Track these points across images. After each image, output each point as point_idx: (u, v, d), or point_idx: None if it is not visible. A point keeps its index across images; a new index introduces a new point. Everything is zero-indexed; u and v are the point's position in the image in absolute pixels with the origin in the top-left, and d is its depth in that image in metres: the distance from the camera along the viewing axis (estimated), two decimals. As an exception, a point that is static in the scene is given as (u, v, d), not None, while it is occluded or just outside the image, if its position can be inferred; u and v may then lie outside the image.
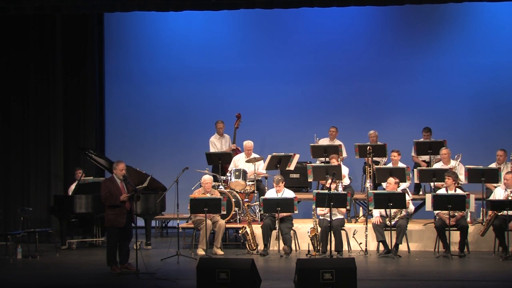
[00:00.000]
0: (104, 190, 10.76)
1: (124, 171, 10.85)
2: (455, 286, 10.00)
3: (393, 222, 11.89)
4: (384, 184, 12.65)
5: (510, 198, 11.62)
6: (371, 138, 14.21)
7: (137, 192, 10.75)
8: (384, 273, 10.72)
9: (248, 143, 13.61)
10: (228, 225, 12.78)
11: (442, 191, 12.12)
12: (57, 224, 13.47)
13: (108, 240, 11.06)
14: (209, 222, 12.04)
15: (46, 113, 14.26)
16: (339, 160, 13.21)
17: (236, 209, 12.90)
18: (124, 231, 10.77)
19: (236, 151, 14.16)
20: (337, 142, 14.34)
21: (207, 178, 12.46)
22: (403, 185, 12.85)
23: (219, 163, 13.54)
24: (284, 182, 12.42)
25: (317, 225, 11.90)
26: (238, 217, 12.93)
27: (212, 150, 14.20)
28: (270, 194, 12.43)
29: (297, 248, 12.38)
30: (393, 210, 11.88)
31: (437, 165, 13.23)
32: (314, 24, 15.39)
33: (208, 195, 12.21)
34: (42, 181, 14.13)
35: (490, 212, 11.76)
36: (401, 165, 13.06)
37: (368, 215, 12.61)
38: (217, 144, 14.35)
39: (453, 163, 13.01)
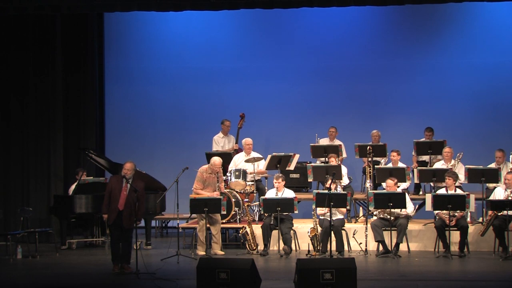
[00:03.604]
0: (106, 187, 10.92)
1: (127, 171, 10.82)
2: (455, 286, 9.99)
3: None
4: (384, 184, 12.65)
5: (510, 198, 11.62)
6: (374, 138, 14.21)
7: (137, 192, 10.76)
8: (384, 273, 10.72)
9: (248, 140, 13.61)
10: (228, 225, 12.78)
11: (442, 191, 12.12)
12: (57, 224, 13.46)
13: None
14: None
15: (46, 113, 14.26)
16: (337, 160, 13.20)
17: (236, 209, 12.90)
18: (120, 231, 10.81)
19: (238, 152, 14.14)
20: (337, 142, 14.34)
21: (217, 161, 12.39)
22: (403, 185, 12.85)
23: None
24: (284, 181, 12.40)
25: (317, 225, 11.90)
26: (238, 217, 12.93)
27: (215, 148, 14.19)
28: (270, 194, 12.43)
29: (297, 248, 12.37)
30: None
31: (438, 165, 13.23)
32: (314, 24, 15.40)
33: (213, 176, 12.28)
34: (42, 181, 14.12)
35: (490, 212, 11.75)
36: (401, 165, 13.06)
37: (368, 215, 12.61)
38: (220, 142, 14.35)
39: (452, 161, 13.03)
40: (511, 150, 13.17)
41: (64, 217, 13.03)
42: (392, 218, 11.81)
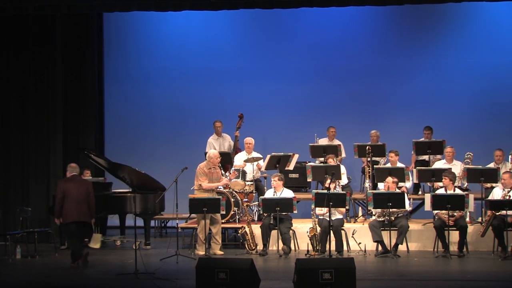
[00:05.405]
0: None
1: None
2: (454, 286, 9.99)
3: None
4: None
5: (507, 197, 11.61)
6: (372, 138, 14.21)
7: None
8: (383, 273, 10.73)
9: (248, 139, 13.67)
10: (227, 225, 12.78)
11: (441, 191, 12.12)
12: (56, 224, 13.44)
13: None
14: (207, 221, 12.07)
15: (46, 113, 14.25)
16: (336, 160, 13.19)
17: (235, 209, 12.90)
18: None
19: (238, 151, 14.14)
20: (336, 142, 14.34)
21: (215, 152, 12.46)
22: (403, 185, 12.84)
23: (218, 163, 13.54)
24: (283, 180, 12.39)
25: (316, 225, 11.90)
26: (237, 217, 12.93)
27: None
28: (269, 194, 12.43)
29: (296, 248, 12.38)
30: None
31: (439, 163, 13.21)
32: (314, 24, 15.40)
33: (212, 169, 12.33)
34: (42, 181, 14.11)
35: (489, 212, 11.75)
36: (400, 165, 13.04)
37: (367, 215, 12.60)
38: (215, 144, 14.36)
39: (457, 163, 13.01)
40: (510, 150, 13.17)
41: (63, 217, 13.02)
42: (392, 218, 11.81)
